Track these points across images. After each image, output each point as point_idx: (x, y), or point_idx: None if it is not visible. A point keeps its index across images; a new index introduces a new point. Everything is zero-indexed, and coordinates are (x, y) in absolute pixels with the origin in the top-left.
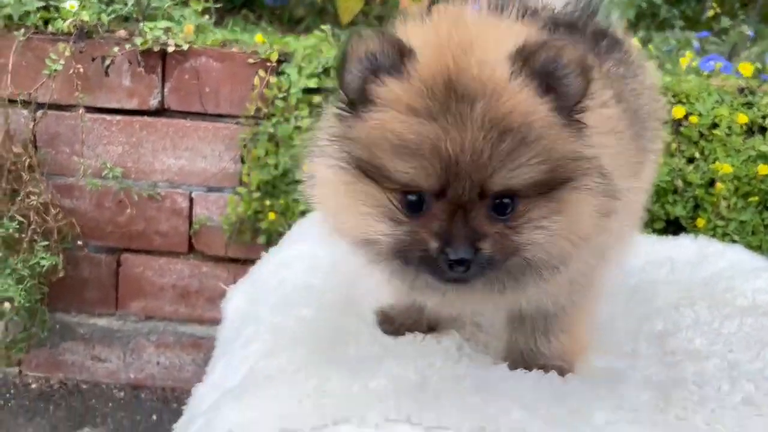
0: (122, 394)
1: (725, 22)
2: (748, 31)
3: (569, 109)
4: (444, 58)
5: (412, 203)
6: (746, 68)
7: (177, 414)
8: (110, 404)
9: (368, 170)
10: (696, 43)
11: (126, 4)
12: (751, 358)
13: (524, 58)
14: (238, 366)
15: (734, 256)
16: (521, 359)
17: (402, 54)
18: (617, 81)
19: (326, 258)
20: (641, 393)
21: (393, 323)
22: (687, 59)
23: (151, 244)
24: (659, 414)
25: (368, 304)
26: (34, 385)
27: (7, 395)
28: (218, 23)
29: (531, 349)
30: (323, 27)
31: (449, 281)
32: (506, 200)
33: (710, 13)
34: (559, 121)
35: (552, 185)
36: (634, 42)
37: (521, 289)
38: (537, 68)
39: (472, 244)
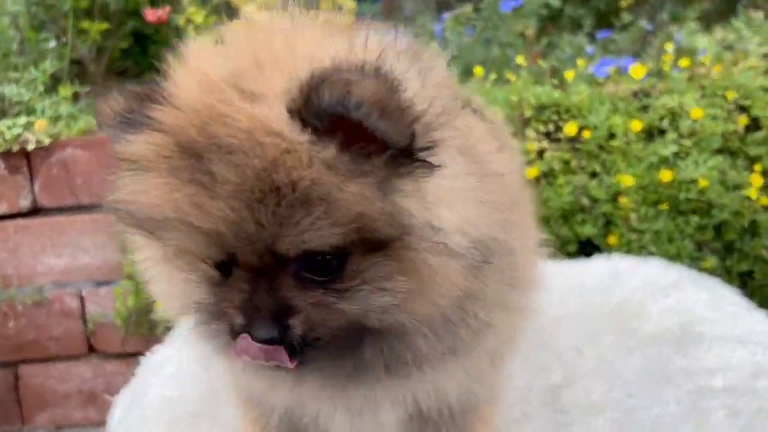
0: None
1: (626, 18)
2: (647, 25)
3: (379, 158)
4: (201, 101)
5: (219, 265)
6: (637, 71)
7: None
8: None
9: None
10: (590, 48)
11: None
12: (649, 402)
13: (304, 98)
14: None
15: (648, 272)
16: None
17: (153, 103)
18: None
19: (191, 363)
20: None
21: None
22: (572, 74)
23: (46, 351)
24: None
25: (227, 415)
26: None
27: None
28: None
29: None
30: None
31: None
32: (318, 259)
33: (623, 3)
34: (356, 175)
35: (380, 243)
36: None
37: (408, 371)
38: (321, 110)
39: (278, 320)
